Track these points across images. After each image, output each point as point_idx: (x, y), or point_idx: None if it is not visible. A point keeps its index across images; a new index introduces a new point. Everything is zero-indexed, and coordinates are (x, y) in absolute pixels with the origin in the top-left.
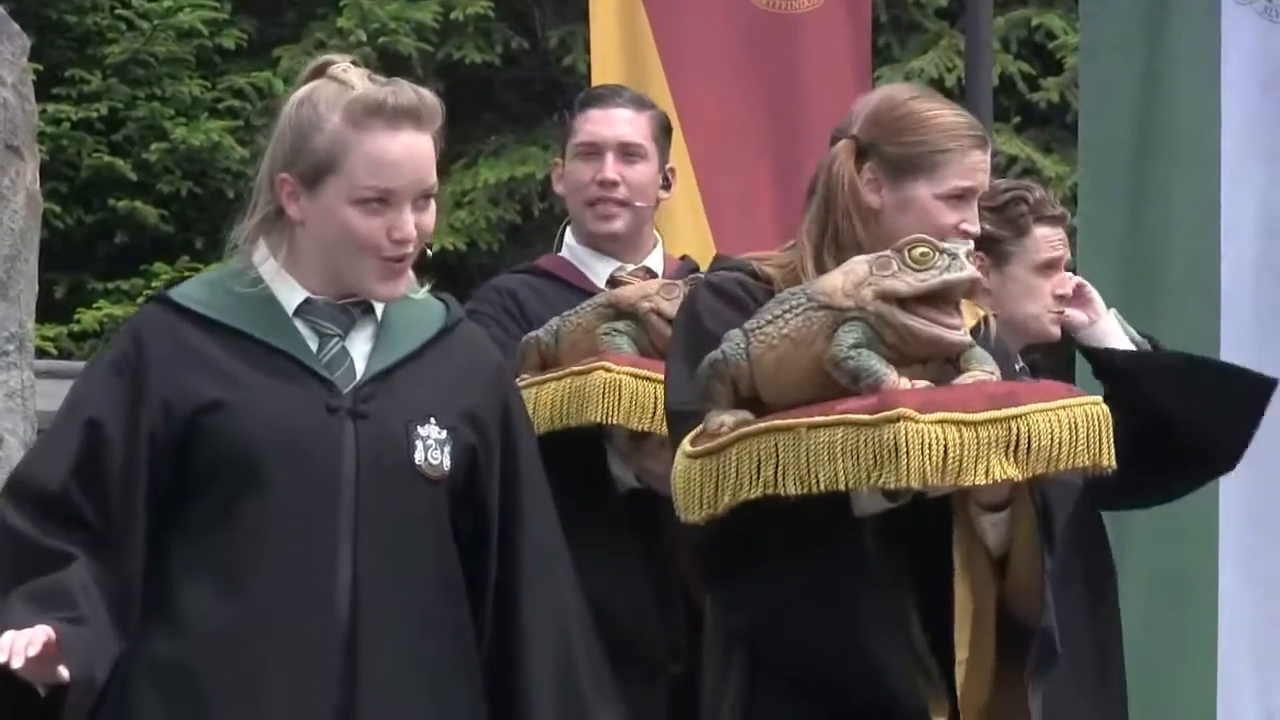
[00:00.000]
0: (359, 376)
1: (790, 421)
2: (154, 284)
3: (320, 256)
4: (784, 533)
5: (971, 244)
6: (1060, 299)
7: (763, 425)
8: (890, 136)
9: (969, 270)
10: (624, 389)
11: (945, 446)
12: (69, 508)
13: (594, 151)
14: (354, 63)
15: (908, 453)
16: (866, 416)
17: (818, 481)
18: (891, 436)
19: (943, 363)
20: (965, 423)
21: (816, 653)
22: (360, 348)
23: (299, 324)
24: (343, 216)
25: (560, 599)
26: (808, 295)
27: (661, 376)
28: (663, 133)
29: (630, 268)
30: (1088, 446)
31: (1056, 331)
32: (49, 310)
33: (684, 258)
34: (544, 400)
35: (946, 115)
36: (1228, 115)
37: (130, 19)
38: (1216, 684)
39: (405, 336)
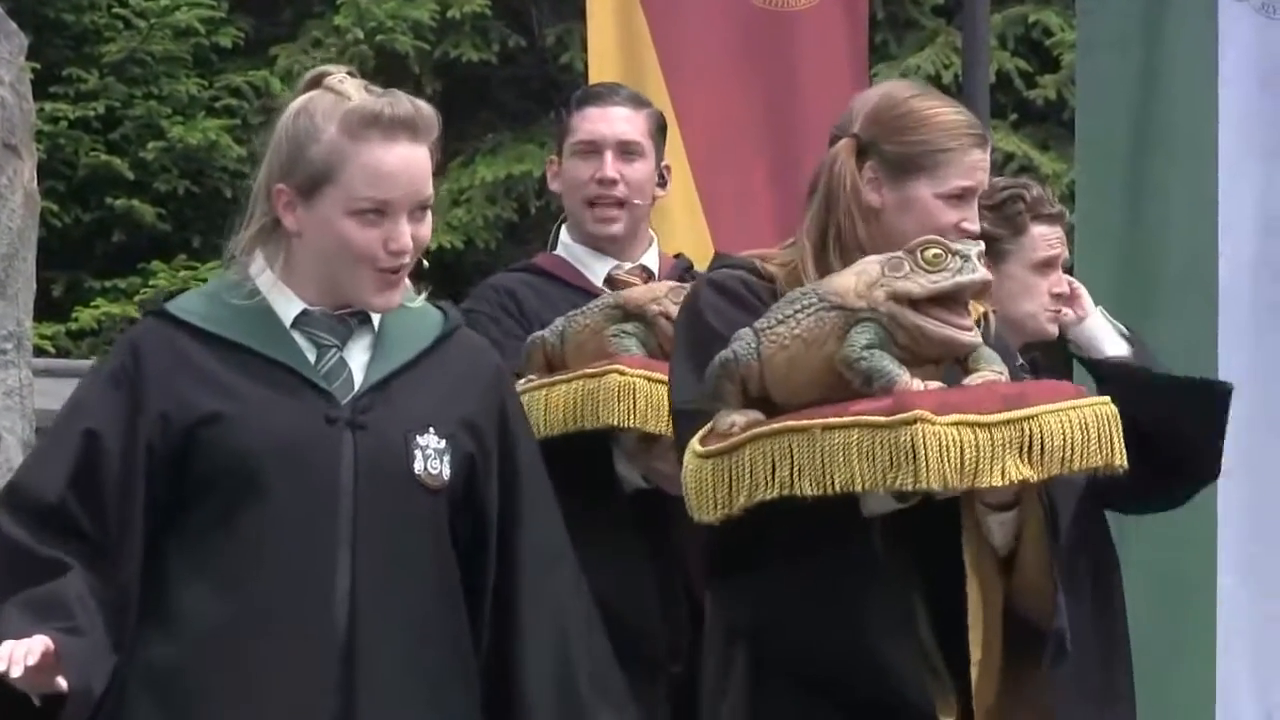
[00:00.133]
0: (357, 387)
1: (805, 422)
2: (151, 282)
3: (317, 267)
4: (791, 532)
5: (983, 245)
6: (1057, 298)
7: (777, 426)
8: (890, 135)
9: (981, 272)
10: (638, 392)
11: (962, 448)
12: (65, 518)
13: (593, 150)
14: (350, 73)
15: (925, 455)
16: (882, 418)
17: (834, 483)
18: (909, 439)
19: (952, 364)
20: (980, 424)
21: (823, 652)
22: (358, 358)
23: (297, 335)
24: (339, 227)
25: (559, 601)
26: (819, 295)
27: None
28: (659, 131)
29: (627, 266)
30: (1099, 447)
31: (1054, 330)
32: (47, 309)
33: (678, 256)
34: (555, 402)
35: (947, 113)
36: (1225, 112)
37: (127, 18)
38: (1215, 682)
39: (403, 346)
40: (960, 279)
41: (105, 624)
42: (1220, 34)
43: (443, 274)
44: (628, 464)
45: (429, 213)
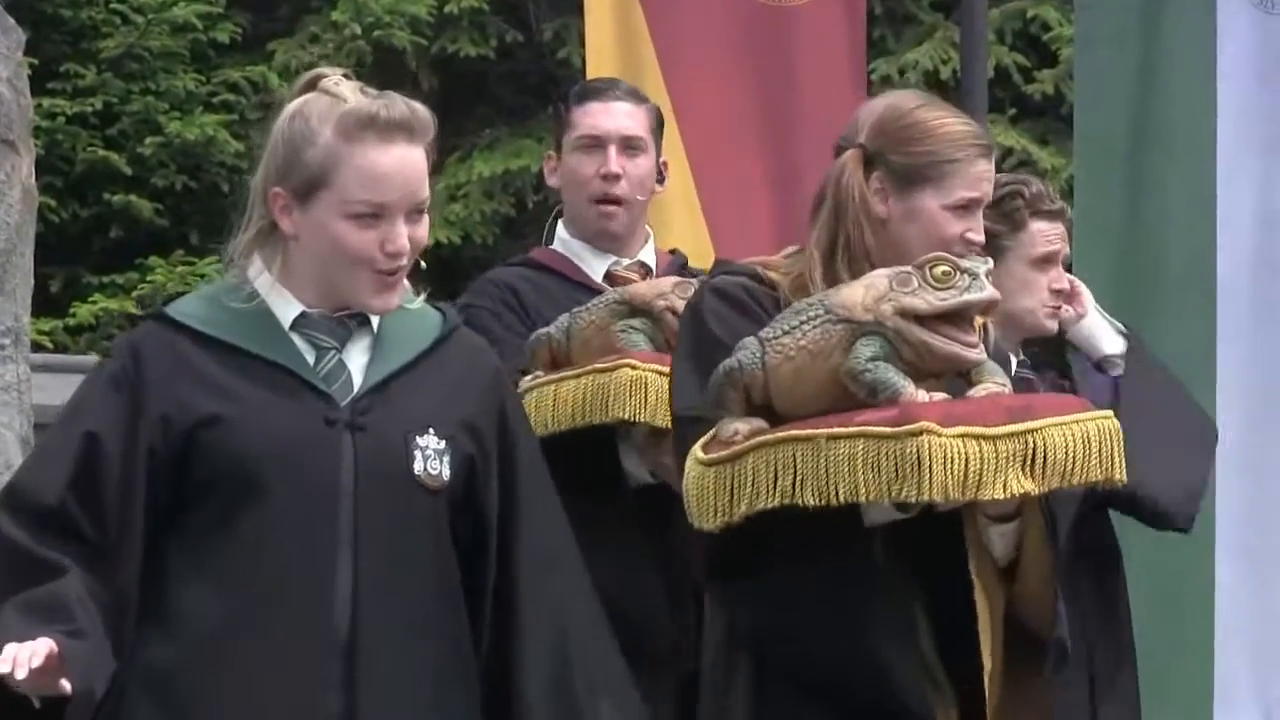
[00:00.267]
0: (356, 388)
1: (809, 432)
2: (149, 278)
3: (314, 270)
4: (792, 540)
5: (991, 263)
6: (1057, 294)
7: (781, 435)
8: (897, 146)
9: (989, 291)
10: (650, 386)
11: (966, 460)
12: (65, 520)
13: (596, 144)
14: (346, 75)
15: (930, 466)
16: (888, 429)
17: (837, 493)
18: (914, 450)
19: (955, 376)
20: (985, 436)
21: (824, 660)
22: (357, 360)
23: (295, 337)
24: (335, 230)
25: (559, 602)
26: (826, 307)
27: None
28: (660, 126)
29: (626, 262)
30: (1100, 461)
31: (1053, 326)
32: (44, 304)
33: (673, 251)
34: (564, 397)
35: (953, 124)
36: (1224, 107)
37: (125, 13)
38: (1213, 679)
39: (402, 347)
40: (968, 297)
41: (105, 627)
42: (1219, 29)
43: (440, 269)
44: (636, 459)
45: (425, 214)
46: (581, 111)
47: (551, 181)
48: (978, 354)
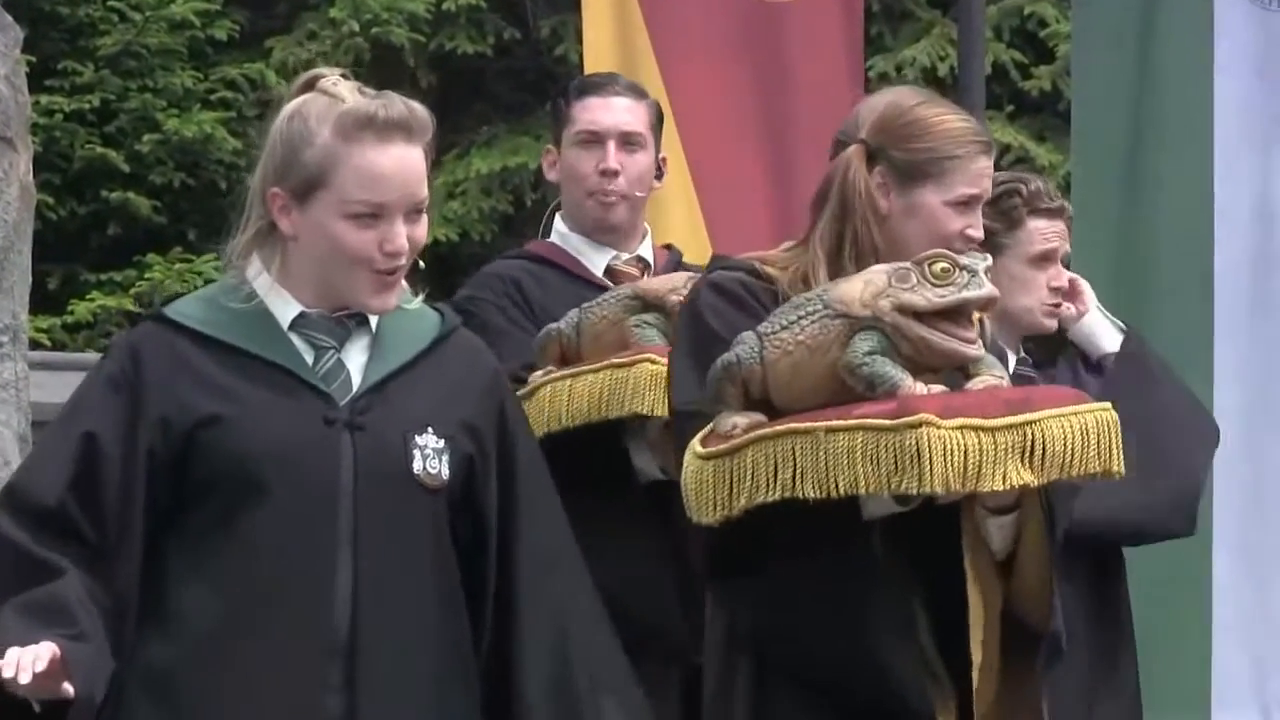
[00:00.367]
0: (355, 388)
1: (808, 425)
2: (147, 275)
3: (313, 270)
4: (791, 534)
5: (990, 260)
6: (1056, 292)
7: (780, 428)
8: (898, 142)
9: (987, 288)
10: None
11: (965, 452)
12: (65, 521)
13: (595, 140)
14: (344, 75)
15: (930, 458)
16: (887, 421)
17: (837, 486)
18: (913, 442)
19: (952, 370)
20: (984, 428)
21: (824, 655)
22: (356, 359)
23: (294, 337)
24: (334, 230)
25: (559, 603)
26: (824, 302)
27: None
28: (659, 122)
29: (625, 257)
30: (1099, 453)
31: (1051, 324)
32: (42, 302)
33: (668, 247)
34: (580, 392)
35: (953, 121)
36: (1221, 102)
37: (122, 10)
38: (1211, 676)
39: (400, 347)
40: (966, 294)
41: (104, 630)
42: (1215, 25)
43: (438, 267)
44: (646, 456)
45: (424, 214)
46: (581, 107)
47: (550, 176)
48: (976, 350)
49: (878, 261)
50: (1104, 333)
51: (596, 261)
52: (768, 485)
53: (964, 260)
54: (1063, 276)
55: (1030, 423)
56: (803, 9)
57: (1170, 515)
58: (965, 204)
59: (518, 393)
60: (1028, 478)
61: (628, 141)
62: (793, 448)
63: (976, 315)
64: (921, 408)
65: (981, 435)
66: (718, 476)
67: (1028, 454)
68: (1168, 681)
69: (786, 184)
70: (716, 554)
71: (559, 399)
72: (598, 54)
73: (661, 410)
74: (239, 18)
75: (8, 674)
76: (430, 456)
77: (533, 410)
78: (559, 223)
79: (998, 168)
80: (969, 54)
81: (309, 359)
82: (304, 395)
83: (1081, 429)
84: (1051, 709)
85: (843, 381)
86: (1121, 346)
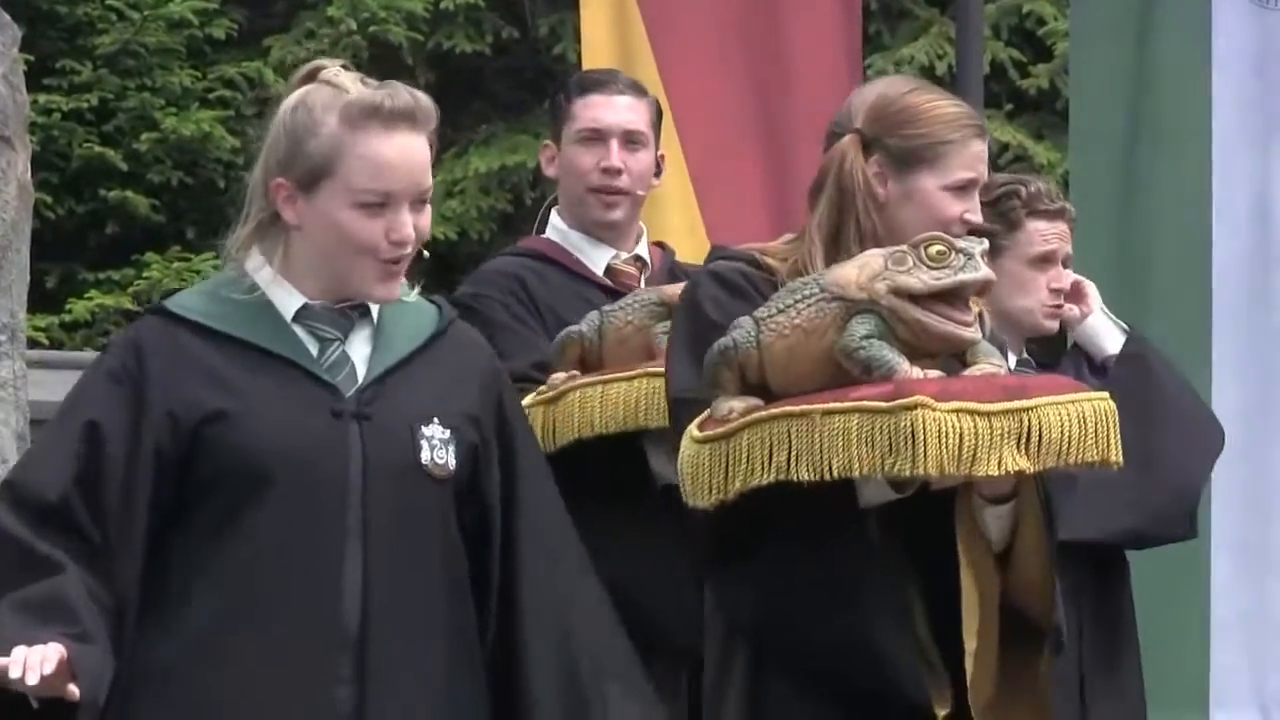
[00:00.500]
0: (360, 380)
1: (804, 407)
2: (145, 274)
3: (317, 261)
4: (788, 521)
5: (986, 243)
6: (1056, 293)
7: (775, 411)
8: (893, 129)
9: (984, 271)
10: None
11: (961, 436)
12: (66, 517)
13: (597, 138)
14: (345, 66)
15: (925, 441)
16: (883, 404)
17: (831, 468)
18: (909, 424)
19: (950, 357)
20: (980, 413)
21: (820, 642)
22: (359, 351)
23: (298, 329)
24: (340, 219)
25: (563, 590)
26: (821, 286)
27: None
28: (658, 119)
29: (624, 256)
30: (1096, 442)
31: (1052, 326)
32: (40, 301)
33: (662, 246)
34: (614, 399)
35: (945, 106)
36: (1218, 100)
37: (121, 9)
38: (1209, 674)
39: (402, 339)
40: (963, 277)
41: (106, 629)
42: (1213, 22)
43: (437, 265)
44: (664, 459)
45: (429, 204)
46: (583, 104)
47: (549, 172)
48: (973, 333)
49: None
50: (1107, 334)
51: (597, 260)
52: (763, 468)
53: (960, 243)
54: (1063, 278)
55: (1027, 409)
56: (801, 8)
57: (1169, 520)
58: (963, 188)
59: (540, 395)
60: (1023, 464)
61: (630, 140)
62: (788, 430)
63: (976, 308)
64: (918, 390)
65: (977, 419)
66: (713, 460)
67: (1024, 440)
68: (1167, 680)
69: (785, 182)
70: (713, 540)
71: (589, 405)
72: (596, 52)
73: None
74: (237, 17)
75: (14, 674)
76: (437, 447)
77: (560, 415)
78: (555, 219)
79: (997, 168)
80: (967, 52)
81: (313, 350)
82: (310, 387)
83: (1079, 417)
84: (1055, 706)
85: (839, 365)
86: (1123, 348)
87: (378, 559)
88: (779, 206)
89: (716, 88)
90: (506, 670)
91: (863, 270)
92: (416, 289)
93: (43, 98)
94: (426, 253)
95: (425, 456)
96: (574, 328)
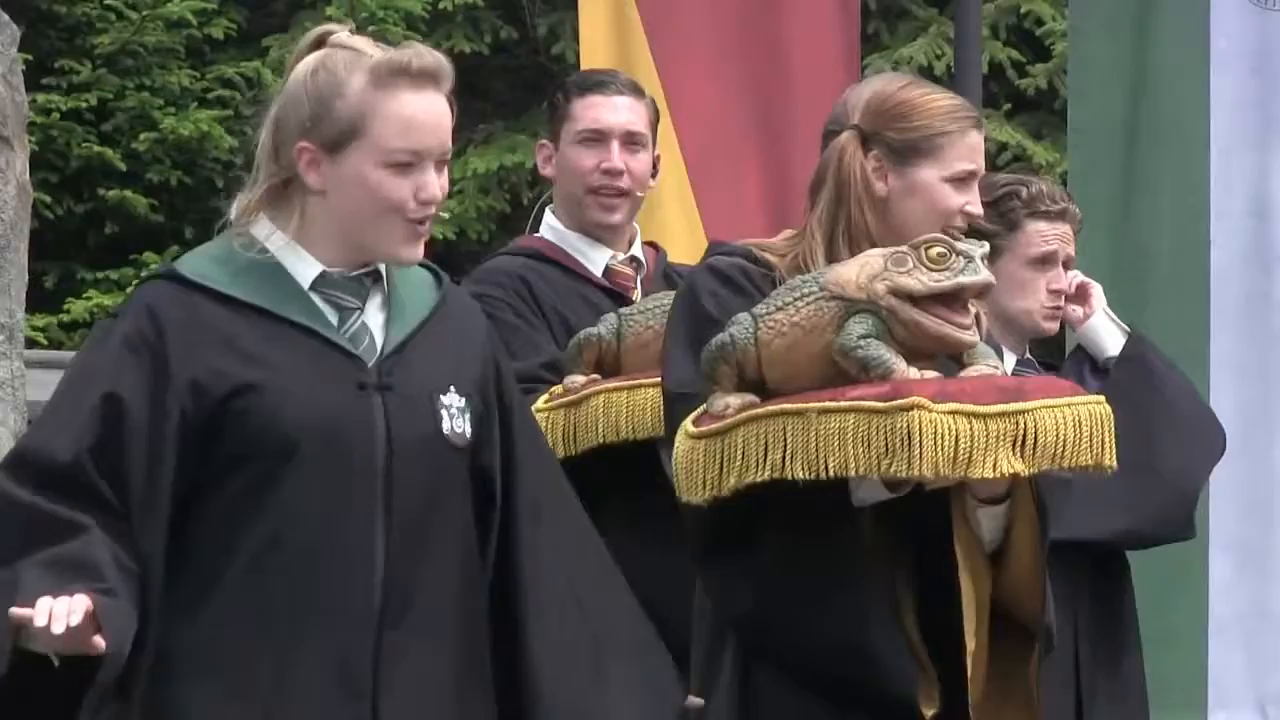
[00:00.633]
0: (379, 350)
1: (800, 406)
2: (144, 274)
3: (339, 225)
4: (780, 518)
5: (987, 246)
6: (1056, 294)
7: (771, 408)
8: (891, 123)
9: (984, 274)
10: None
11: (956, 437)
12: (82, 484)
13: (598, 139)
14: (353, 30)
15: (920, 442)
16: (879, 404)
17: (826, 467)
18: (904, 425)
19: (947, 358)
20: (976, 414)
21: (810, 638)
22: (375, 319)
23: (315, 298)
24: (372, 179)
25: (564, 553)
26: (820, 284)
27: None
28: (656, 120)
29: (621, 257)
30: (1090, 445)
31: (1051, 327)
32: (39, 300)
33: (654, 246)
34: (642, 405)
35: (940, 99)
36: (1216, 99)
37: (119, 9)
38: (1208, 674)
39: (412, 307)
40: (962, 279)
41: (131, 590)
42: (1211, 22)
43: (435, 264)
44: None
45: (448, 164)
46: (584, 104)
47: (545, 171)
48: (970, 336)
49: (873, 246)
50: (1108, 336)
51: (596, 261)
52: (757, 465)
53: (961, 245)
54: (1063, 279)
55: (1023, 411)
56: (800, 8)
57: (1169, 520)
58: (963, 180)
59: (559, 399)
60: (1018, 466)
61: (630, 141)
62: (784, 428)
63: (974, 310)
64: (914, 391)
65: (973, 421)
66: (708, 456)
67: (1019, 443)
68: (1165, 680)
69: (783, 182)
70: (705, 535)
71: (615, 410)
72: (594, 52)
73: None
74: (236, 16)
75: (40, 623)
76: (455, 416)
77: (583, 419)
78: (551, 218)
79: (996, 168)
80: (965, 52)
81: (333, 320)
82: (334, 359)
83: (1074, 420)
84: (1045, 706)
85: (836, 364)
86: (1124, 349)
87: (401, 529)
88: (777, 206)
89: (715, 87)
90: (508, 641)
91: (862, 270)
92: None
93: (41, 97)
94: (444, 213)
95: (446, 426)
96: (591, 330)
